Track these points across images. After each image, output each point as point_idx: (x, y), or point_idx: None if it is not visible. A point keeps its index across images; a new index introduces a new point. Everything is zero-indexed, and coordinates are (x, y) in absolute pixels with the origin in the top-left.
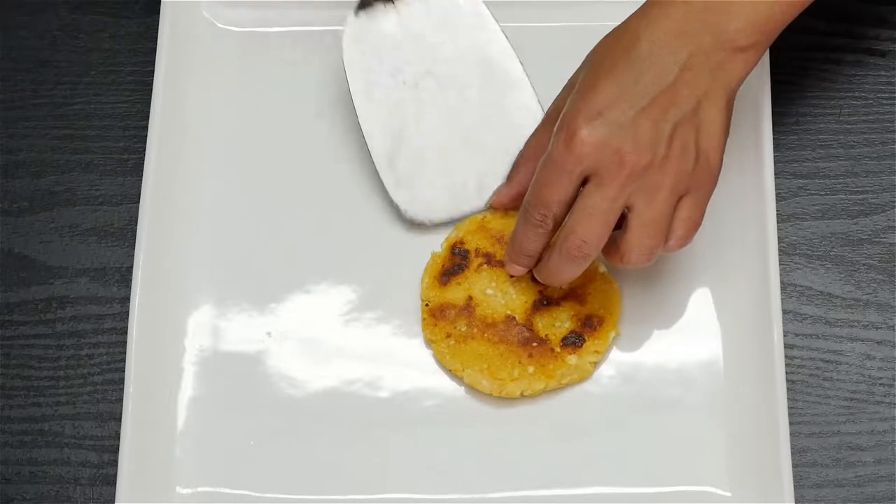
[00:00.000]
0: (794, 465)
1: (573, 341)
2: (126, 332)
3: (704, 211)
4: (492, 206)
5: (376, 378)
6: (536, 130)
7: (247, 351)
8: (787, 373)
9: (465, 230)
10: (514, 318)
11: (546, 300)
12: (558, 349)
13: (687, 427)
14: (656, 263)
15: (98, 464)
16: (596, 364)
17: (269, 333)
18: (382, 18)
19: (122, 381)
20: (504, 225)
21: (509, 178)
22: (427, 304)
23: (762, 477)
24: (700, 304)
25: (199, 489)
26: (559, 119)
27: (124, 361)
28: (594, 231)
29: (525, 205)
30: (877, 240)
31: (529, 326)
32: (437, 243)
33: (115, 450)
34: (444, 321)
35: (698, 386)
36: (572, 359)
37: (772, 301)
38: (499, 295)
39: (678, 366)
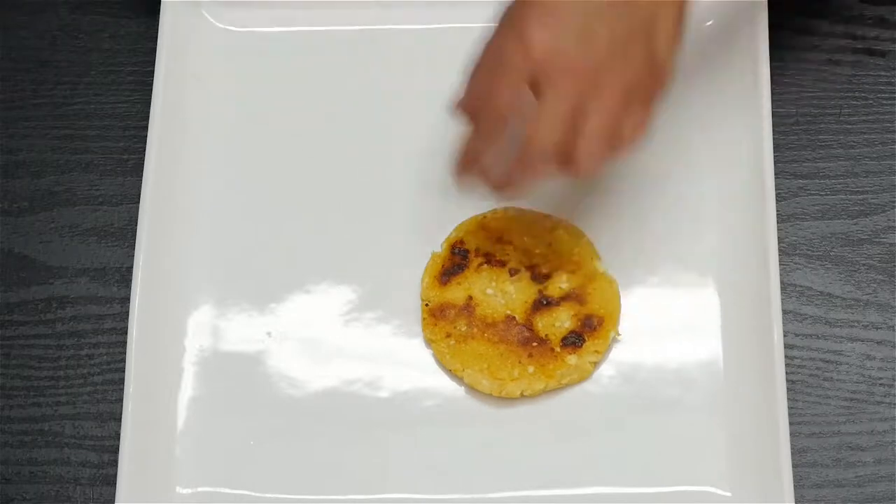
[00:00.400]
0: (794, 465)
1: (573, 341)
2: (126, 332)
3: (655, 114)
4: (453, 111)
5: (376, 378)
6: (490, 37)
7: (247, 351)
8: (787, 373)
9: (465, 230)
10: (514, 317)
11: (546, 300)
12: (558, 349)
13: (687, 427)
14: (656, 263)
15: (98, 464)
16: (596, 364)
17: (269, 333)
18: None
19: (122, 381)
20: (504, 225)
21: (464, 83)
22: (427, 304)
23: (762, 477)
24: (700, 304)
25: (199, 489)
26: (509, 23)
27: (124, 361)
28: (554, 131)
29: (475, 111)
30: (877, 240)
31: (529, 326)
32: (437, 243)
33: (115, 450)
34: (444, 321)
35: (698, 386)
36: (572, 359)
37: (772, 301)
38: (499, 295)
39: (678, 366)
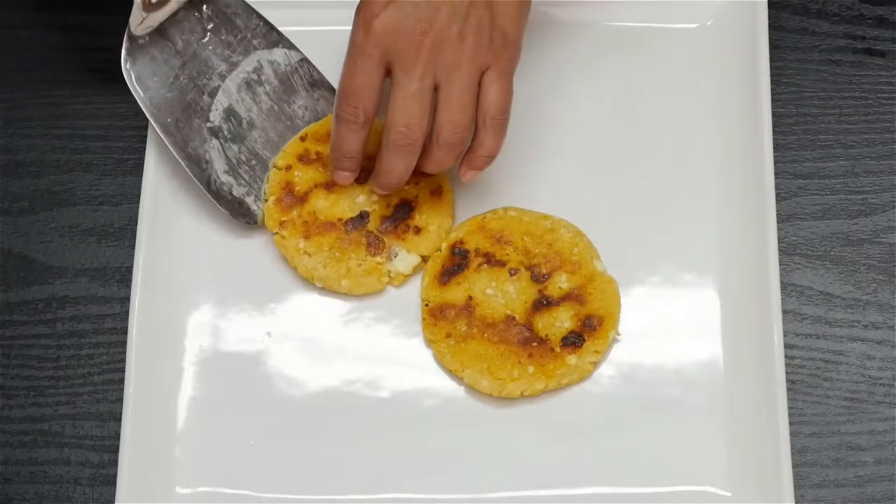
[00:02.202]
0: (794, 465)
1: (573, 341)
2: (126, 332)
3: (511, 83)
4: None
5: (376, 378)
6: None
7: (247, 351)
8: (787, 373)
9: (465, 230)
10: (514, 318)
11: (546, 300)
12: (558, 349)
13: (687, 427)
14: (656, 263)
15: (98, 464)
16: (596, 364)
17: (269, 333)
18: (156, 48)
19: (122, 381)
20: (504, 225)
21: None
22: (427, 304)
23: (762, 477)
24: (700, 304)
25: (199, 489)
26: (358, 9)
27: (124, 361)
28: (413, 113)
29: (336, 103)
30: (877, 240)
31: (529, 326)
32: None
33: (115, 450)
34: (444, 321)
35: (698, 386)
36: (572, 359)
37: (772, 301)
38: (499, 295)
39: (678, 366)
